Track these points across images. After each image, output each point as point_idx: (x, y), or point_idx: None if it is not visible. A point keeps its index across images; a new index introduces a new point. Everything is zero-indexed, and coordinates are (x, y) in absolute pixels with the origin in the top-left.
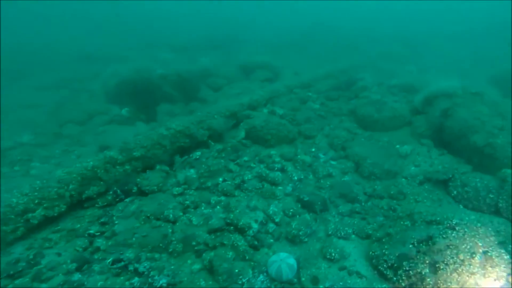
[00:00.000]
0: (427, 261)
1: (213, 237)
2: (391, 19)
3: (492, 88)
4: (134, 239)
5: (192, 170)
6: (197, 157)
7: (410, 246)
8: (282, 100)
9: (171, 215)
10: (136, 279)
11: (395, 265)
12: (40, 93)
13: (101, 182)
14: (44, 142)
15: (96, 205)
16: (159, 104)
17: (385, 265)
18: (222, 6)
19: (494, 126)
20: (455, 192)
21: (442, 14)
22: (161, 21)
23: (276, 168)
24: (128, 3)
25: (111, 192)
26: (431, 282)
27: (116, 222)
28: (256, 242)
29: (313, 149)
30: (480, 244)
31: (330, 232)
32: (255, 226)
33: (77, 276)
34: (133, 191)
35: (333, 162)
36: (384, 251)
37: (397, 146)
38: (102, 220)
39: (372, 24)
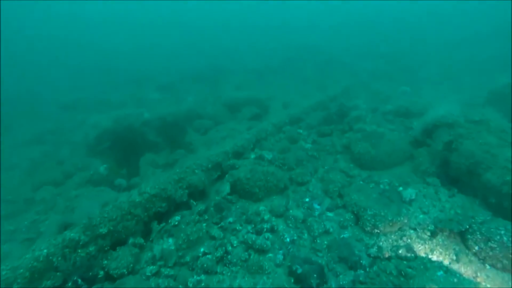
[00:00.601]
0: None
1: None
2: (382, 31)
3: (492, 110)
4: None
5: (170, 240)
6: (176, 222)
7: None
8: (270, 142)
9: None
10: None
11: None
12: (19, 150)
13: (58, 273)
14: (13, 211)
15: None
16: (143, 154)
17: None
18: (205, 35)
19: (507, 160)
20: (477, 248)
21: (435, 19)
22: (147, 55)
23: (265, 230)
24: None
25: (70, 284)
26: None
27: None
28: None
29: (307, 199)
30: None
31: None
32: None
33: None
34: (99, 276)
35: (329, 214)
36: None
37: (400, 188)
38: None
39: (361, 38)
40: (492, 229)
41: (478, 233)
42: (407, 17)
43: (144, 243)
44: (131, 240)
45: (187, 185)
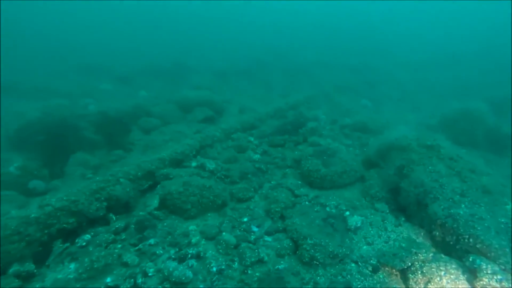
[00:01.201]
0: None
1: None
2: (356, 42)
3: (443, 134)
4: None
5: (72, 266)
6: (84, 243)
7: None
8: (216, 149)
9: None
10: None
11: None
12: None
13: None
14: None
15: None
16: (74, 152)
17: None
18: (174, 30)
19: (454, 191)
20: None
21: (409, 37)
22: (111, 45)
23: (189, 256)
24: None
25: None
26: None
27: None
28: None
29: (246, 219)
30: None
31: None
32: None
33: None
34: None
35: (268, 239)
36: None
37: (347, 213)
38: None
39: (333, 48)
40: (433, 269)
41: (419, 272)
42: (384, 30)
43: (35, 271)
44: (14, 268)
45: (107, 197)
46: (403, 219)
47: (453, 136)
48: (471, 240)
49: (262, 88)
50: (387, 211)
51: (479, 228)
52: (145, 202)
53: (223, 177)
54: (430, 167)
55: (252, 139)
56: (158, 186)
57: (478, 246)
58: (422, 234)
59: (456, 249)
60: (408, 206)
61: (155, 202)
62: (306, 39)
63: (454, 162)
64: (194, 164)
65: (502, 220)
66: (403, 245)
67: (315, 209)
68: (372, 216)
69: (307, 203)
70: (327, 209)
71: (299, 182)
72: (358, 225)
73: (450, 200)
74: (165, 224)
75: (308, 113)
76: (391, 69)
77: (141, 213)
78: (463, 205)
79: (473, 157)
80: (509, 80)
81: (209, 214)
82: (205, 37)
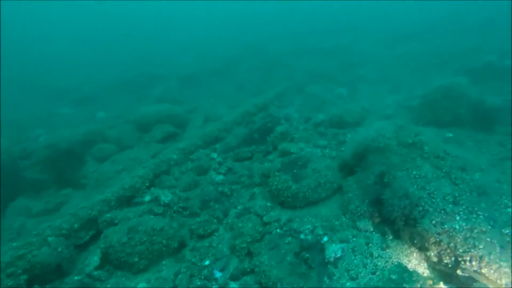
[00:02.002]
0: None
1: None
2: (326, 25)
3: (425, 119)
4: None
5: None
6: None
7: None
8: (174, 175)
9: None
10: None
11: None
12: None
13: None
14: None
15: None
16: (14, 199)
17: None
18: (140, 37)
19: (446, 199)
20: None
21: (383, 12)
22: (71, 64)
23: None
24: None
25: None
26: None
27: None
28: None
29: (207, 261)
30: None
31: None
32: None
33: None
34: None
35: (233, 286)
36: None
37: (325, 238)
38: None
39: (304, 34)
40: None
41: None
42: (354, 10)
43: None
44: None
45: (27, 267)
46: (390, 237)
47: (436, 117)
48: (473, 262)
49: (233, 88)
50: (371, 229)
51: (481, 246)
52: (84, 261)
53: (181, 210)
54: (414, 172)
55: (215, 155)
56: (102, 235)
57: (484, 270)
58: (414, 255)
59: (457, 274)
60: (395, 220)
61: (95, 259)
62: (279, 30)
63: (441, 161)
64: (147, 198)
65: (507, 232)
66: (393, 276)
67: (287, 241)
68: (354, 239)
69: (278, 230)
70: (302, 236)
71: (269, 204)
72: (339, 254)
73: (442, 211)
74: (108, 286)
75: (279, 113)
76: (368, 48)
77: (76, 277)
78: (458, 217)
79: (461, 145)
80: (481, 46)
81: (164, 262)
82: (172, 41)
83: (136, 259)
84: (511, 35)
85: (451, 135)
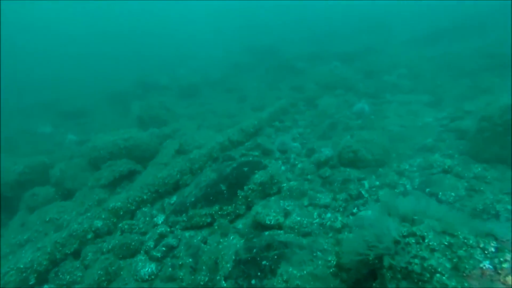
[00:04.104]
0: None
1: None
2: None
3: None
4: None
5: None
6: None
7: None
8: (85, 259)
9: None
10: None
11: None
12: None
13: None
14: None
15: None
16: None
17: None
18: (143, 44)
19: None
20: None
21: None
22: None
23: None
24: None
25: None
26: None
27: None
28: None
29: None
30: None
31: None
32: None
33: None
34: None
35: None
36: None
37: None
38: None
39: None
40: None
41: None
42: (376, 9)
43: None
44: None
45: None
46: None
47: (506, 151)
48: None
49: (234, 100)
50: None
51: None
52: None
53: None
54: None
55: (161, 219)
56: None
57: None
58: None
59: None
60: None
61: None
62: (293, 30)
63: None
64: None
65: None
66: None
67: None
68: None
69: None
70: None
71: None
72: None
73: None
74: None
75: (273, 140)
76: (396, 49)
77: None
78: None
79: None
80: None
81: None
82: (177, 48)
83: None
84: None
85: None
